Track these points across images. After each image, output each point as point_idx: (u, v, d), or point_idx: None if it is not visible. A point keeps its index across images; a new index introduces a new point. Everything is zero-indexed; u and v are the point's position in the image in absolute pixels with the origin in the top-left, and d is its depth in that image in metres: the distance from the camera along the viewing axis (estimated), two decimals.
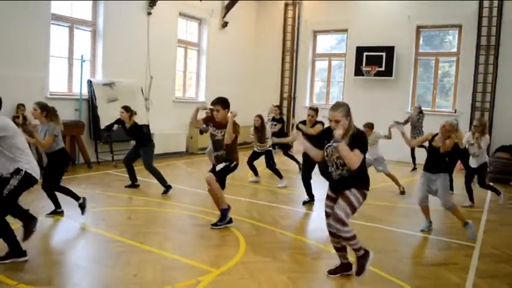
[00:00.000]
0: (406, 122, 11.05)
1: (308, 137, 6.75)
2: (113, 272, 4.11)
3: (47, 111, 5.59)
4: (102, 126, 9.51)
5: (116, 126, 7.60)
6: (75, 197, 5.78)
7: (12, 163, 4.16)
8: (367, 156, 4.26)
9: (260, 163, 8.95)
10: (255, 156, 8.85)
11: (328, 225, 4.09)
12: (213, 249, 4.88)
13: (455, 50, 12.62)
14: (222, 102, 5.53)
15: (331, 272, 4.25)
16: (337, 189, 4.05)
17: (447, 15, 12.10)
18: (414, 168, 11.13)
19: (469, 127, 11.56)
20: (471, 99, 11.81)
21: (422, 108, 11.86)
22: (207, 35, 13.36)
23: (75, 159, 9.51)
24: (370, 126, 8.69)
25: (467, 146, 7.52)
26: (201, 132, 10.84)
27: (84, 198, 5.79)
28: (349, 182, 3.97)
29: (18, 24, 8.38)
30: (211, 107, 5.60)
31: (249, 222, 5.96)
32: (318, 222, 6.44)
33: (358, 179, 3.98)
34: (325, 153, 4.05)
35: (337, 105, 4.00)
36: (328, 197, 4.19)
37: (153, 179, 8.71)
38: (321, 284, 4.14)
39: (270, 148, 8.89)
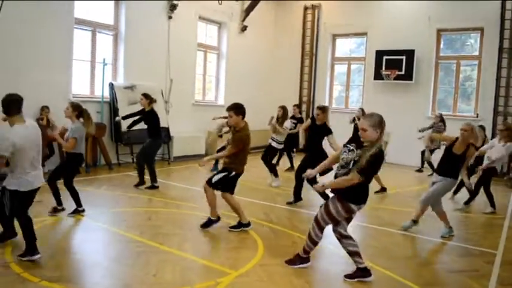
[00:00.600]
0: (430, 127, 10.97)
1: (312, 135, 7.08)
2: (132, 271, 4.17)
3: (78, 111, 5.79)
4: (123, 129, 9.66)
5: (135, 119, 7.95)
6: (79, 203, 5.95)
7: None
8: None
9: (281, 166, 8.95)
10: (270, 151, 8.97)
11: (333, 230, 4.31)
12: (232, 252, 4.91)
13: (477, 53, 12.43)
14: (236, 108, 5.54)
15: (348, 276, 4.24)
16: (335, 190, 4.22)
17: (468, 18, 11.93)
18: (420, 170, 11.38)
19: (491, 132, 11.41)
20: (493, 104, 11.62)
21: (443, 112, 11.75)
22: (226, 38, 13.45)
23: (96, 161, 9.67)
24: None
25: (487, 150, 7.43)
26: (221, 135, 10.97)
27: (83, 210, 5.97)
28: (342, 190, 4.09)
29: (43, 28, 8.56)
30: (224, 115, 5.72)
31: (268, 226, 5.97)
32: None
33: (350, 191, 4.02)
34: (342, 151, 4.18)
35: (369, 115, 4.03)
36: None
37: (172, 180, 8.82)
38: (336, 286, 4.13)
39: (282, 146, 9.10)
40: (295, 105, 11.33)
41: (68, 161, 5.93)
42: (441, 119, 10.99)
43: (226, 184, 5.56)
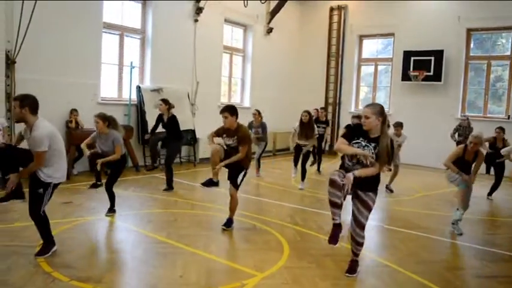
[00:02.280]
0: (455, 131, 10.71)
1: None
2: (159, 272, 4.22)
3: (108, 121, 5.88)
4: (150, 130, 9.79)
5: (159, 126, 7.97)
6: (113, 203, 6.13)
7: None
8: None
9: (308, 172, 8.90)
10: (298, 151, 8.84)
11: (332, 194, 4.03)
12: (257, 253, 4.90)
13: (508, 53, 12.12)
14: (231, 109, 5.66)
15: (332, 240, 4.20)
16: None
17: (499, 17, 11.64)
18: None
19: None
20: None
21: (473, 114, 11.50)
22: (252, 41, 13.50)
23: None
24: (400, 125, 8.78)
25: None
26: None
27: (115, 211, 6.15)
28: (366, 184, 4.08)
29: (72, 32, 8.76)
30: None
31: (293, 228, 5.95)
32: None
33: (376, 181, 4.16)
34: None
35: (371, 103, 4.22)
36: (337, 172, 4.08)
37: (198, 182, 8.87)
38: None
39: (311, 149, 8.94)
40: (321, 108, 11.25)
41: (116, 165, 6.04)
42: (469, 123, 10.71)
43: (241, 182, 5.74)
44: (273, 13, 13.61)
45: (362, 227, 4.22)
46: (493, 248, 5.53)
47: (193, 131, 11.06)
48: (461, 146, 6.19)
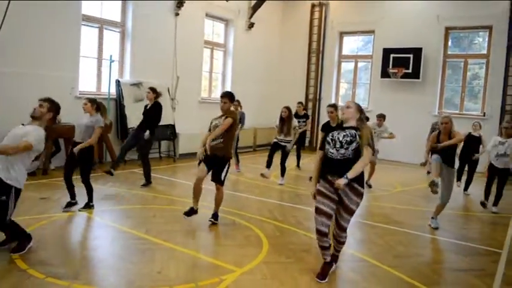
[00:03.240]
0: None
1: None
2: (137, 268, 4.19)
3: (97, 105, 6.04)
4: (130, 125, 9.69)
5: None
6: (91, 198, 6.11)
7: None
8: None
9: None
10: (275, 147, 8.90)
11: (321, 223, 4.00)
12: (236, 249, 4.91)
13: (485, 51, 12.35)
14: (230, 96, 5.85)
15: (320, 276, 4.12)
16: (339, 171, 3.94)
17: (477, 16, 11.85)
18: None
19: (498, 131, 11.33)
20: (501, 102, 11.54)
21: (450, 111, 11.67)
22: (233, 36, 13.45)
23: (102, 158, 9.71)
24: (382, 116, 9.04)
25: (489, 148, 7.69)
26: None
27: (93, 206, 6.14)
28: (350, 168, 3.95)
29: (50, 25, 8.59)
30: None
31: (272, 223, 5.97)
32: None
33: (360, 177, 4.06)
34: (328, 140, 4.12)
35: (350, 101, 4.60)
36: (322, 194, 4.05)
37: (178, 178, 8.85)
38: (343, 286, 4.13)
39: (289, 144, 8.87)
40: (299, 103, 11.23)
41: (82, 154, 5.93)
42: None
43: (226, 177, 5.76)
44: (255, 8, 13.58)
45: (344, 229, 4.21)
46: (468, 242, 5.65)
47: (173, 126, 10.99)
48: (435, 132, 6.37)
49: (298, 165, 10.76)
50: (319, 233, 4.05)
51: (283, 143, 8.80)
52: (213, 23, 13.09)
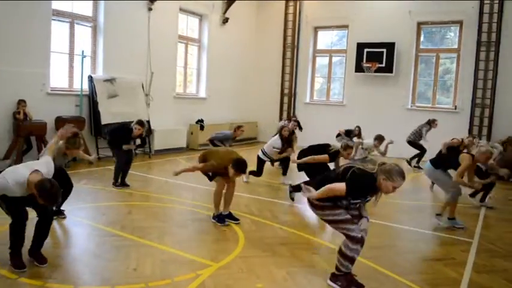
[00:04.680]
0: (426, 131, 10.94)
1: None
2: (112, 265, 4.15)
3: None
4: (103, 122, 9.57)
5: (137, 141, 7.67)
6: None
7: None
8: None
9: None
10: (263, 164, 8.46)
11: (365, 231, 3.88)
12: (212, 244, 4.92)
13: (456, 46, 12.61)
14: None
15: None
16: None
17: (448, 12, 12.10)
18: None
19: (469, 124, 11.64)
20: (471, 96, 11.83)
21: (423, 104, 11.90)
22: (207, 30, 13.37)
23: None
24: (381, 138, 9.27)
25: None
26: (202, 128, 10.86)
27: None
28: None
29: (19, 20, 8.40)
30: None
31: (249, 218, 5.99)
32: (317, 217, 6.48)
33: None
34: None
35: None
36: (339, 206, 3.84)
37: (153, 174, 8.79)
38: (319, 279, 4.17)
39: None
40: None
41: None
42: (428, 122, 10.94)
43: None
44: (229, 3, 13.54)
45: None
46: (438, 232, 5.79)
47: (148, 122, 10.87)
48: (468, 155, 5.91)
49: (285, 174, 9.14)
50: (362, 241, 3.83)
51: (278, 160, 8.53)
52: (187, 18, 12.99)
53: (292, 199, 7.09)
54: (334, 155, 6.79)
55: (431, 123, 10.80)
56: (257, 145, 13.93)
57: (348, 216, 3.78)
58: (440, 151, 7.56)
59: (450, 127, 11.15)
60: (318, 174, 4.16)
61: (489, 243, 5.41)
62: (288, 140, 8.37)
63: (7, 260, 4.05)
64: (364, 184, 3.63)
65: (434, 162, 6.38)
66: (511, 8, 11.35)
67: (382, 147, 9.37)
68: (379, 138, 9.33)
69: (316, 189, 3.76)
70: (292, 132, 8.88)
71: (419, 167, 10.81)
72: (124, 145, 7.30)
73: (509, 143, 10.44)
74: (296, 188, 7.03)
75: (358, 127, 10.66)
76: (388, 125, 11.94)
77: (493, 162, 6.97)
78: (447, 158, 6.46)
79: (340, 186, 3.59)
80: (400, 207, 7.20)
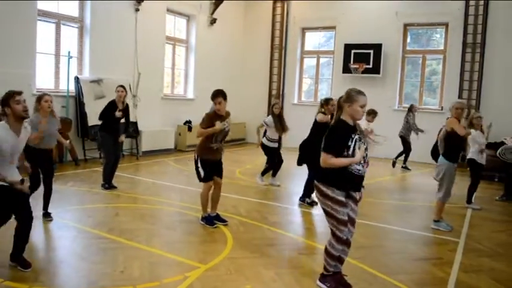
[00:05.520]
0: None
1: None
2: (99, 268, 4.11)
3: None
4: (90, 124, 9.48)
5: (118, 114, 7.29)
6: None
7: None
8: None
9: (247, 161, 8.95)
10: (274, 154, 8.36)
11: (348, 231, 3.80)
12: (201, 246, 4.90)
13: (442, 47, 12.73)
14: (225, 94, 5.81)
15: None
16: (359, 187, 3.85)
17: (434, 14, 12.22)
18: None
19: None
20: (457, 97, 11.92)
21: (409, 105, 11.99)
22: (195, 31, 13.33)
23: (62, 156, 9.45)
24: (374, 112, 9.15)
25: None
26: (190, 129, 10.77)
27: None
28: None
29: (4, 20, 8.28)
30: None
31: (237, 219, 5.98)
32: (305, 218, 6.50)
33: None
34: (353, 153, 3.61)
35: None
36: (343, 204, 3.73)
37: (141, 175, 8.73)
38: (307, 280, 4.17)
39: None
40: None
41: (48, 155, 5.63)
42: (409, 109, 11.15)
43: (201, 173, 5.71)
44: (217, 4, 13.51)
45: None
46: (426, 232, 5.83)
47: (135, 123, 10.82)
48: (450, 118, 5.97)
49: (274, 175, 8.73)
50: (348, 243, 3.84)
51: (277, 144, 8.39)
52: (175, 19, 12.94)
53: (311, 204, 6.91)
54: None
55: (412, 110, 10.98)
56: (245, 146, 13.94)
57: (345, 218, 3.72)
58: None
59: (437, 128, 11.20)
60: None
61: (476, 242, 5.46)
62: (279, 117, 8.26)
63: None
64: (335, 128, 3.66)
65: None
66: (496, 10, 11.49)
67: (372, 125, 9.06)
68: (373, 113, 9.13)
69: (322, 176, 3.74)
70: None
71: (406, 167, 10.91)
72: (116, 112, 7.17)
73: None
74: (307, 193, 7.00)
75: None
76: (376, 125, 11.95)
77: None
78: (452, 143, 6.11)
79: (325, 154, 3.58)
80: (388, 207, 7.25)
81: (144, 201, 6.74)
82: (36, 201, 5.74)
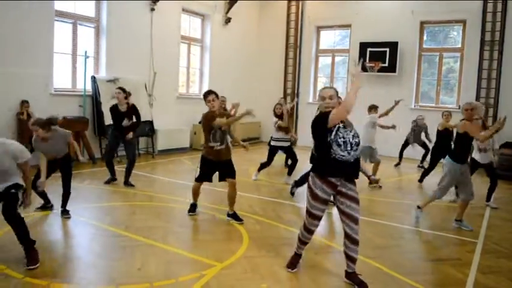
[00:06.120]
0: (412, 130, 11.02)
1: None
2: (117, 265, 4.16)
3: (48, 124, 5.27)
4: (107, 123, 9.57)
5: (125, 122, 7.48)
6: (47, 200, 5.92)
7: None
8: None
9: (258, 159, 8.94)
10: (275, 154, 8.62)
11: (315, 225, 4.10)
12: (217, 244, 4.91)
13: (459, 45, 12.57)
14: (214, 92, 5.79)
15: (291, 266, 4.25)
16: (351, 176, 3.88)
17: (451, 11, 12.06)
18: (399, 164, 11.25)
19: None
20: (475, 95, 11.77)
21: (426, 104, 11.88)
22: (210, 31, 13.37)
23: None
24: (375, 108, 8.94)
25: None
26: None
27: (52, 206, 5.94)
28: (356, 171, 3.92)
29: (23, 21, 8.40)
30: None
31: (253, 218, 5.99)
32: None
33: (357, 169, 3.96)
34: (335, 137, 3.73)
35: (328, 86, 4.29)
36: (319, 199, 3.90)
37: (157, 174, 8.79)
38: (323, 279, 4.17)
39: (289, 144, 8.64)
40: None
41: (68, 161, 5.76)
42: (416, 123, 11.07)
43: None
44: (232, 3, 13.53)
45: (357, 221, 3.92)
46: (443, 233, 5.77)
47: (151, 122, 10.90)
48: (462, 122, 5.84)
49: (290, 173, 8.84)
50: (310, 232, 4.15)
51: (286, 143, 8.56)
52: (190, 18, 13.00)
53: (293, 194, 7.29)
54: None
55: (417, 122, 11.03)
56: (260, 145, 13.93)
57: (316, 213, 3.99)
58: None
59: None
60: None
61: (494, 243, 5.39)
62: (279, 117, 8.53)
63: (13, 259, 4.07)
64: (318, 117, 3.89)
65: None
66: None
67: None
68: (373, 107, 8.98)
69: (313, 166, 4.03)
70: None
71: (423, 167, 10.80)
72: (124, 121, 7.43)
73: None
74: (298, 183, 7.16)
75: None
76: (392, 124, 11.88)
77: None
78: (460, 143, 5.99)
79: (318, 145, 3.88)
80: (404, 207, 7.18)
81: (160, 200, 6.79)
82: (57, 199, 5.85)
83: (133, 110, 7.58)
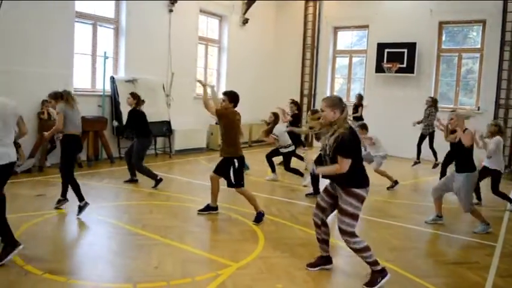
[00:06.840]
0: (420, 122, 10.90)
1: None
2: (134, 264, 4.21)
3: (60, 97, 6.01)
4: (125, 122, 9.68)
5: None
6: (80, 196, 5.72)
7: None
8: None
9: (277, 160, 8.95)
10: (275, 153, 8.75)
11: (315, 214, 4.26)
12: (233, 244, 4.94)
13: (479, 46, 12.39)
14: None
15: (310, 265, 4.30)
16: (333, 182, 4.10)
17: (470, 11, 11.88)
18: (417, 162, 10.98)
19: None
20: (495, 96, 11.59)
21: (445, 105, 11.70)
22: (227, 31, 13.43)
23: (98, 155, 9.69)
24: (363, 127, 8.18)
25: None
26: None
27: (86, 203, 5.73)
28: (340, 178, 3.90)
29: (43, 22, 8.56)
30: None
31: (268, 218, 5.99)
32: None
33: (348, 178, 3.85)
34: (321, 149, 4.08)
35: (328, 96, 4.23)
36: (325, 190, 4.23)
37: (174, 174, 8.86)
38: (339, 280, 4.17)
39: (290, 150, 8.57)
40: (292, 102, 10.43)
41: (64, 144, 5.81)
42: (431, 104, 10.85)
43: (238, 176, 5.90)
44: (249, 4, 13.56)
45: (342, 231, 3.97)
46: (463, 236, 5.71)
47: (168, 123, 10.99)
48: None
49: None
50: (313, 222, 4.29)
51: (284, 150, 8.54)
52: (207, 19, 13.07)
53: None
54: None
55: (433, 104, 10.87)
56: (273, 145, 13.92)
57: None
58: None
59: (473, 129, 10.95)
60: None
61: None
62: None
63: (32, 256, 4.16)
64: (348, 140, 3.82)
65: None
66: None
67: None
68: (363, 127, 8.31)
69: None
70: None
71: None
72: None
73: None
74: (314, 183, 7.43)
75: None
76: (409, 126, 11.79)
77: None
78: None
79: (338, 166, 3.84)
80: (421, 209, 7.10)
81: (176, 199, 6.85)
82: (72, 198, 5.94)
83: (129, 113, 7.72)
